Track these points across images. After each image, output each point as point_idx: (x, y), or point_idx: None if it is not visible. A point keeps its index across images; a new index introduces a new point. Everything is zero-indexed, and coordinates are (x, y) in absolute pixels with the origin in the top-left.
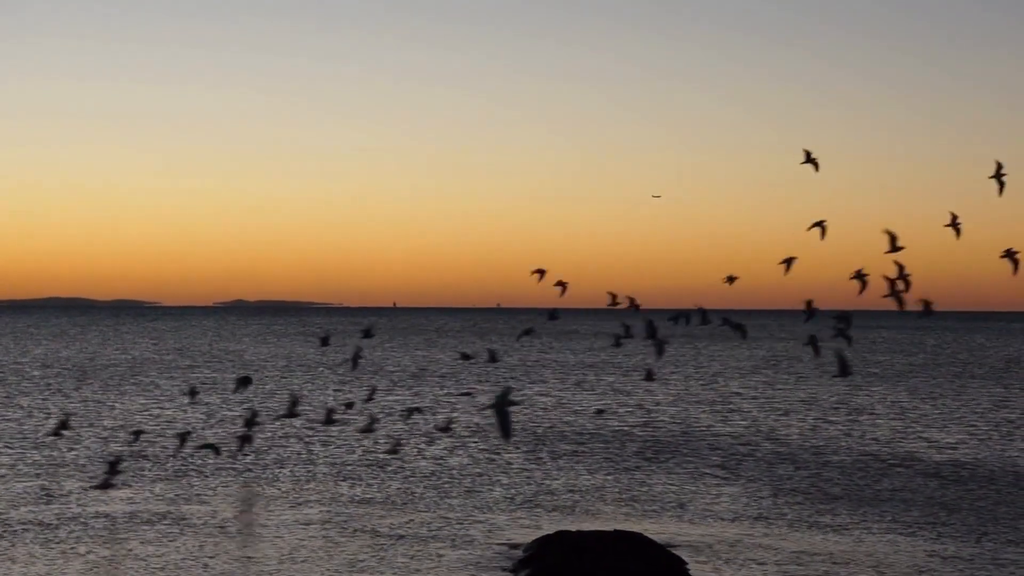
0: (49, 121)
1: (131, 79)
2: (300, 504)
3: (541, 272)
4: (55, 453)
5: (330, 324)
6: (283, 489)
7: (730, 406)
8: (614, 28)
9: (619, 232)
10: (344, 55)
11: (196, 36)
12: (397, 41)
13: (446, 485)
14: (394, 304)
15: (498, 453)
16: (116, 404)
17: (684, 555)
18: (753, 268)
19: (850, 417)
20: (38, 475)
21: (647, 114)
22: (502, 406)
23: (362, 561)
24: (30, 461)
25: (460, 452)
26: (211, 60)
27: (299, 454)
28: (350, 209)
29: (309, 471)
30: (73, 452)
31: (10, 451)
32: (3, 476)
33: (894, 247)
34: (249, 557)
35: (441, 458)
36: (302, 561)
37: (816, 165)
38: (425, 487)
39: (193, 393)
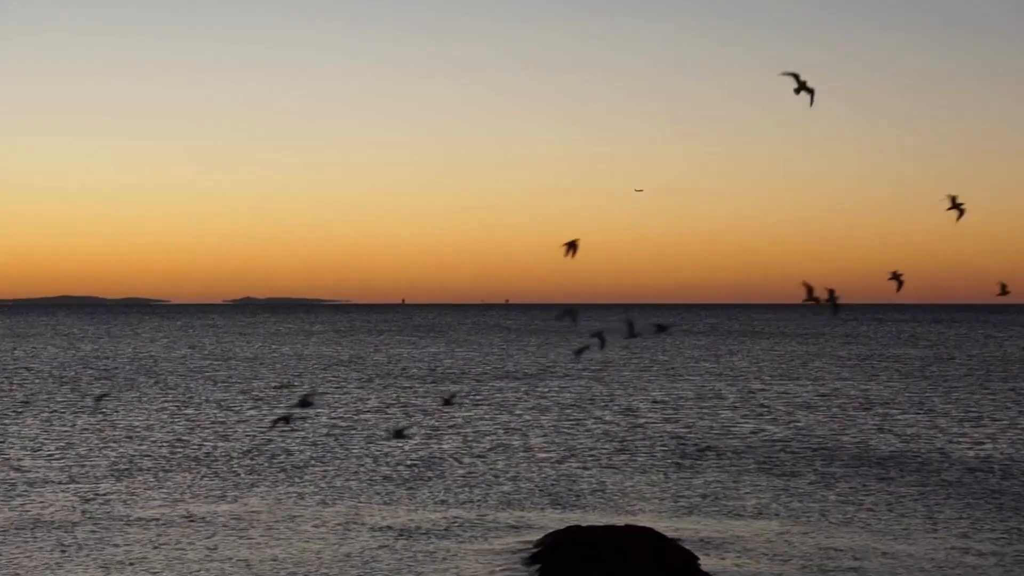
0: (58, 119)
1: (141, 76)
2: (312, 502)
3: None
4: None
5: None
6: (298, 488)
7: (750, 402)
8: (628, 22)
9: (632, 226)
10: (352, 50)
11: (205, 31)
12: (406, 36)
13: (459, 480)
14: (403, 301)
15: (509, 449)
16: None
17: (695, 549)
18: (756, 262)
19: (869, 412)
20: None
21: (662, 108)
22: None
23: (376, 557)
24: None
25: (471, 447)
26: (221, 56)
27: (317, 454)
28: (359, 206)
29: (326, 470)
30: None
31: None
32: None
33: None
34: (262, 558)
35: (453, 453)
36: (315, 558)
37: (960, 211)
38: (438, 482)
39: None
